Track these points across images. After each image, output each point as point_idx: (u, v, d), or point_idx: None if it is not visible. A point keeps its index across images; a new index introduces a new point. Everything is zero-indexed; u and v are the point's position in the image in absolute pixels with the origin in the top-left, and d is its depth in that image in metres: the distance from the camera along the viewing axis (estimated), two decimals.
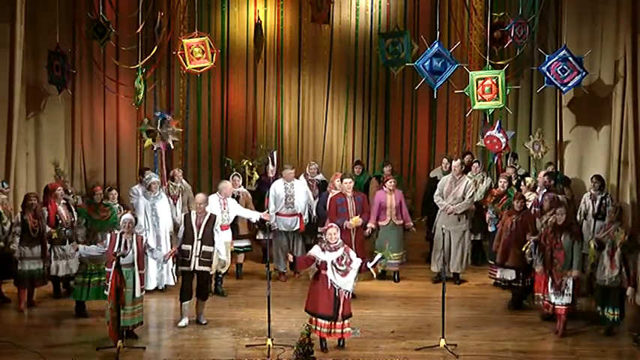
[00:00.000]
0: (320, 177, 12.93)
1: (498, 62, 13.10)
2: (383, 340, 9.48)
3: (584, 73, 12.45)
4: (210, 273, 10.44)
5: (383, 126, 16.29)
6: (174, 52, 13.50)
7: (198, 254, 9.82)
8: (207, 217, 9.97)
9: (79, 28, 13.98)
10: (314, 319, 9.00)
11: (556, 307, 9.66)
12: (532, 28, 13.30)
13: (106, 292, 9.38)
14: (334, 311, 8.93)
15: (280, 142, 16.11)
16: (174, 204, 11.81)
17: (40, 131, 13.35)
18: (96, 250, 9.67)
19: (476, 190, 12.19)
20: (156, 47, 13.54)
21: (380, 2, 15.83)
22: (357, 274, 9.10)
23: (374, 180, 13.72)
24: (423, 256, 12.70)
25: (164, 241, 11.21)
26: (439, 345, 9.15)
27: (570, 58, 12.43)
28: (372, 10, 15.85)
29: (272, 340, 9.07)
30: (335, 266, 8.90)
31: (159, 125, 12.53)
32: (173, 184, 12.23)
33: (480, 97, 12.45)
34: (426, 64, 12.48)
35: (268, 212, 11.59)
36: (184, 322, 9.92)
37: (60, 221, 10.85)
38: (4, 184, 11.33)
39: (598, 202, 11.39)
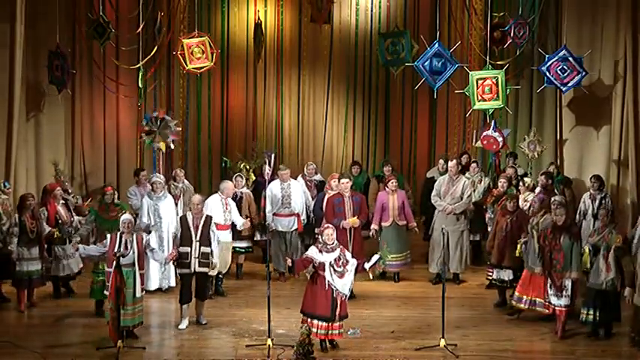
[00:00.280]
0: (318, 177, 12.92)
1: (498, 62, 13.12)
2: (383, 340, 9.48)
3: (584, 73, 12.45)
4: (210, 274, 10.45)
5: (383, 126, 16.30)
6: (174, 52, 13.52)
7: (197, 255, 9.81)
8: (203, 219, 9.95)
9: (79, 28, 13.99)
10: (310, 320, 8.98)
11: (555, 308, 9.66)
12: (532, 28, 13.31)
13: (106, 292, 9.39)
14: (332, 312, 8.91)
15: (280, 142, 16.12)
16: (176, 204, 11.79)
17: (40, 131, 13.35)
18: (96, 250, 9.68)
19: (474, 190, 12.20)
20: (156, 47, 13.55)
21: (380, 2, 15.84)
22: (353, 275, 9.08)
23: (374, 180, 13.72)
24: (423, 256, 12.69)
25: (166, 242, 11.18)
26: (439, 345, 9.15)
27: (570, 58, 12.43)
28: (372, 10, 15.85)
29: (272, 340, 9.07)
30: (332, 267, 8.89)
31: (158, 126, 12.53)
32: (175, 184, 12.22)
33: (479, 97, 12.44)
34: (426, 64, 12.47)
35: (249, 219, 11.57)
36: (184, 324, 9.91)
37: (60, 221, 10.86)
38: (6, 184, 11.33)
39: (597, 202, 11.41)
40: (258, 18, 15.38)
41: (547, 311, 9.88)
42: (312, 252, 9.00)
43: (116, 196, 11.42)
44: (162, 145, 12.80)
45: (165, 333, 9.84)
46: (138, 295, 9.34)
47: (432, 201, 11.90)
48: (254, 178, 13.03)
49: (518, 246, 10.39)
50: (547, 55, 12.68)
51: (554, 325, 9.75)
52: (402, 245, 11.79)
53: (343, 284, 8.91)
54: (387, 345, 9.34)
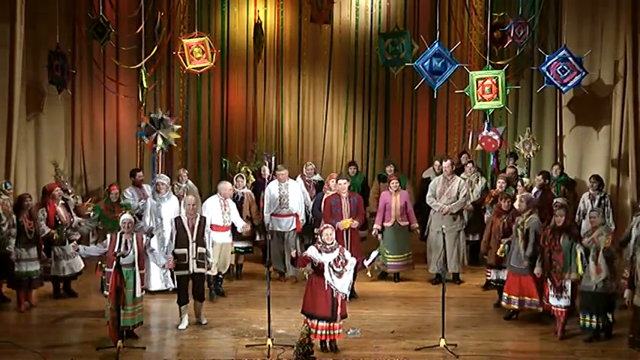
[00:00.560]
0: (317, 177, 12.87)
1: (498, 62, 13.12)
2: (383, 340, 9.48)
3: (583, 73, 12.45)
4: (209, 274, 10.43)
5: (383, 126, 16.29)
6: (174, 52, 13.52)
7: (195, 256, 9.79)
8: (198, 219, 9.94)
9: (79, 28, 13.99)
10: (311, 321, 8.97)
11: (555, 309, 9.65)
12: (532, 28, 13.30)
13: (106, 292, 9.39)
14: (332, 312, 8.89)
15: (280, 142, 16.11)
16: (179, 204, 11.74)
17: (40, 131, 13.35)
18: (96, 250, 9.68)
19: (471, 190, 12.19)
20: (156, 47, 13.55)
21: (380, 2, 15.83)
22: (352, 275, 9.06)
23: (376, 180, 13.72)
24: (421, 257, 12.68)
25: (167, 243, 11.10)
26: (439, 345, 9.15)
27: (570, 58, 12.44)
28: (372, 10, 15.84)
29: (272, 340, 9.07)
30: (332, 268, 8.86)
31: (158, 126, 12.52)
32: (178, 184, 12.20)
33: (479, 97, 12.45)
34: (426, 64, 12.48)
35: (250, 219, 11.62)
36: (184, 324, 9.90)
37: (59, 222, 10.85)
38: (8, 184, 11.34)
39: (597, 201, 11.38)
40: (258, 18, 15.36)
41: (540, 309, 9.93)
42: (312, 252, 8.99)
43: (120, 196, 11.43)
44: (157, 144, 12.73)
45: (166, 333, 9.84)
46: (138, 295, 9.34)
47: (428, 202, 11.90)
48: (253, 179, 13.00)
49: (501, 246, 10.43)
50: (547, 55, 12.68)
51: (554, 325, 9.74)
52: (403, 246, 11.79)
53: (342, 284, 8.90)
54: (387, 345, 9.33)
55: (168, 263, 9.74)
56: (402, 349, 9.18)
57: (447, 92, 15.10)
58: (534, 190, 11.76)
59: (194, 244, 9.81)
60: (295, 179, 12.41)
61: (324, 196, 11.52)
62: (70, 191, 12.35)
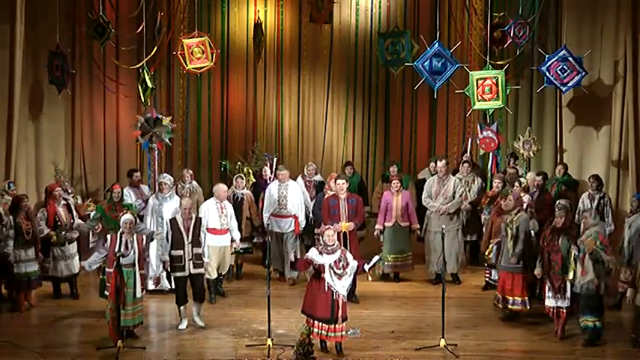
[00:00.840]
0: (318, 178, 12.84)
1: (498, 62, 13.12)
2: (383, 340, 9.48)
3: (583, 73, 12.46)
4: (208, 277, 10.39)
5: (383, 126, 16.28)
6: (174, 52, 13.52)
7: (191, 257, 9.77)
8: (194, 220, 9.91)
9: (79, 28, 13.99)
10: (312, 321, 8.96)
11: (551, 309, 9.64)
12: (532, 28, 13.30)
13: (106, 292, 9.39)
14: (332, 314, 8.86)
15: (280, 142, 16.11)
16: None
17: (40, 131, 13.36)
18: (97, 258, 9.60)
19: (468, 190, 12.18)
20: (156, 47, 13.55)
21: (380, 2, 15.83)
22: (352, 278, 9.02)
23: (380, 181, 13.71)
24: (420, 257, 12.67)
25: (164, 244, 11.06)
26: (439, 345, 9.15)
27: (570, 58, 12.44)
28: (372, 10, 15.84)
29: (272, 340, 9.07)
30: (333, 269, 8.83)
31: (153, 125, 12.50)
32: (182, 184, 12.17)
33: (479, 97, 12.45)
34: (426, 64, 12.49)
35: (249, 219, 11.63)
36: (184, 324, 9.88)
37: (59, 222, 10.84)
38: (11, 185, 11.34)
39: (596, 201, 11.35)
40: (258, 18, 15.37)
41: (520, 308, 10.01)
42: (313, 253, 8.97)
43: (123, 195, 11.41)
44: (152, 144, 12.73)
45: (165, 333, 9.84)
46: (138, 295, 9.35)
47: (424, 203, 11.90)
48: (253, 180, 12.98)
49: (490, 246, 10.41)
50: (547, 55, 12.68)
51: (555, 325, 9.73)
52: (403, 246, 11.78)
53: (342, 286, 8.87)
54: (387, 345, 9.33)
55: (165, 264, 9.77)
56: (402, 349, 9.18)
57: (447, 92, 15.10)
58: (531, 190, 11.75)
59: (189, 245, 9.78)
60: (296, 180, 12.39)
61: (325, 197, 11.51)
62: (70, 191, 12.35)
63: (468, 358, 9.00)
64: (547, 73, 12.57)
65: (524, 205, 10.79)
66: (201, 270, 9.94)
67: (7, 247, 10.29)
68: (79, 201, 12.76)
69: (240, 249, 11.79)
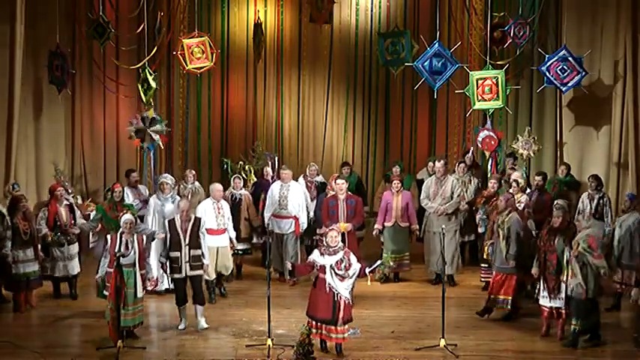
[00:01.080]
0: (320, 179, 12.80)
1: (498, 62, 13.12)
2: (383, 340, 9.48)
3: (583, 73, 12.46)
4: (207, 278, 10.33)
5: (383, 126, 16.30)
6: (174, 52, 13.52)
7: (188, 259, 9.68)
8: (192, 222, 9.80)
9: (79, 28, 14.00)
10: (314, 322, 8.95)
11: (550, 309, 9.62)
12: (532, 28, 13.31)
13: (106, 292, 9.39)
14: (333, 315, 8.82)
15: (280, 142, 16.12)
16: None
17: (40, 131, 13.36)
18: (106, 267, 9.55)
19: (465, 190, 12.17)
20: (156, 47, 13.55)
21: (380, 2, 15.85)
22: (354, 279, 8.96)
23: (382, 181, 13.70)
24: (422, 257, 12.67)
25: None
26: (439, 345, 9.14)
27: (570, 58, 12.45)
28: (372, 10, 15.86)
29: (272, 340, 9.07)
30: (333, 270, 8.80)
31: (147, 124, 12.49)
32: (184, 184, 12.15)
33: (479, 97, 12.46)
34: (426, 64, 12.49)
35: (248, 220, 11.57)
36: (183, 324, 9.84)
37: (58, 223, 10.83)
38: (16, 185, 11.36)
39: (595, 201, 11.33)
40: (258, 18, 15.38)
41: (509, 308, 10.03)
42: (315, 255, 8.96)
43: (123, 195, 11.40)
44: (144, 143, 12.70)
45: (166, 333, 9.83)
46: (139, 295, 9.34)
47: (422, 203, 11.90)
48: (254, 179, 12.95)
49: (485, 247, 10.39)
50: (547, 55, 12.69)
51: (555, 326, 9.71)
52: (401, 246, 11.77)
53: (344, 288, 8.82)
54: (387, 345, 9.33)
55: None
56: (402, 349, 9.18)
57: (447, 92, 15.11)
58: (528, 190, 11.74)
59: (187, 247, 9.69)
60: (297, 180, 12.37)
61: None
62: (69, 191, 12.34)
63: (468, 358, 9.00)
64: (547, 73, 12.57)
65: (522, 205, 10.79)
66: (199, 272, 9.85)
67: (5, 247, 10.29)
68: (79, 201, 12.76)
69: (239, 250, 11.76)
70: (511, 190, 11.30)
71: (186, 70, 13.56)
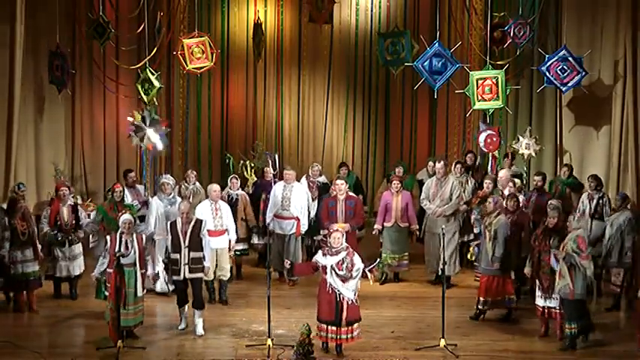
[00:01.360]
0: (322, 179, 12.71)
1: (498, 62, 13.11)
2: (383, 340, 9.48)
3: (583, 73, 12.46)
4: (206, 279, 10.29)
5: (383, 126, 16.30)
6: (174, 52, 13.51)
7: (187, 262, 9.61)
8: (192, 223, 9.73)
9: (79, 28, 13.99)
10: (319, 325, 8.91)
11: (546, 310, 9.61)
12: (532, 28, 13.30)
13: (106, 293, 9.39)
14: (336, 316, 8.79)
15: (280, 142, 16.11)
16: None
17: (40, 131, 13.36)
18: (103, 267, 9.54)
19: (463, 190, 12.16)
20: (156, 47, 13.54)
21: (380, 2, 15.84)
22: (358, 280, 8.90)
23: (384, 181, 13.70)
24: (422, 257, 12.66)
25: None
26: (439, 345, 9.15)
27: (570, 58, 12.44)
28: (372, 10, 15.85)
29: (272, 340, 9.07)
30: (334, 270, 8.80)
31: (148, 124, 12.45)
32: (185, 184, 12.12)
33: (480, 97, 12.45)
34: (426, 64, 12.48)
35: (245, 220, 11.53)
36: (183, 324, 9.82)
37: (59, 222, 10.83)
38: (21, 185, 11.36)
39: (595, 201, 11.28)
40: (258, 18, 15.37)
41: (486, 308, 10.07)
42: (318, 255, 8.97)
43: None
44: (143, 143, 12.66)
45: (166, 333, 9.83)
46: (139, 294, 9.34)
47: (422, 204, 11.90)
48: (255, 179, 12.91)
49: (471, 249, 10.39)
50: (547, 55, 12.68)
51: (554, 326, 9.72)
52: (401, 247, 11.76)
53: (346, 288, 8.78)
54: (387, 345, 9.33)
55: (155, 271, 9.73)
56: (402, 349, 9.18)
57: (447, 92, 15.10)
58: (523, 191, 11.73)
59: (186, 249, 9.62)
60: (300, 180, 12.34)
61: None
62: (69, 191, 12.33)
63: (467, 358, 9.01)
64: (547, 73, 12.57)
65: (520, 205, 10.79)
66: (199, 275, 9.77)
67: (3, 248, 10.29)
68: (79, 201, 12.76)
69: (237, 251, 11.72)
70: (505, 191, 11.29)
71: (186, 70, 13.55)
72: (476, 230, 11.50)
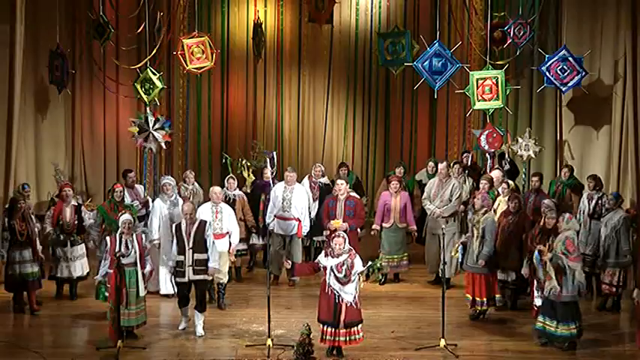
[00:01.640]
0: (324, 180, 12.58)
1: (498, 62, 13.11)
2: (383, 340, 9.48)
3: (583, 73, 12.47)
4: (209, 279, 10.25)
5: (383, 126, 16.29)
6: (174, 52, 13.50)
7: (191, 264, 9.55)
8: (196, 225, 9.67)
9: (79, 28, 13.99)
10: (320, 326, 8.89)
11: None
12: (532, 28, 13.30)
13: (107, 293, 9.39)
14: (334, 317, 8.77)
15: (280, 142, 16.11)
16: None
17: (40, 131, 13.35)
18: (106, 268, 9.53)
19: (462, 191, 12.15)
20: (156, 47, 13.54)
21: (380, 2, 15.84)
22: (356, 283, 8.84)
23: (384, 181, 13.69)
24: (422, 258, 12.66)
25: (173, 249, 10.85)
26: (439, 345, 9.15)
27: (570, 58, 12.45)
28: (372, 10, 15.85)
29: (272, 340, 9.07)
30: (334, 272, 8.78)
31: (152, 125, 12.45)
32: (185, 185, 12.11)
33: (479, 97, 12.46)
34: (426, 64, 12.49)
35: (244, 221, 11.47)
36: (183, 325, 9.79)
37: (61, 222, 10.84)
38: (26, 186, 11.37)
39: (594, 201, 11.26)
40: (258, 18, 15.37)
41: (486, 309, 10.06)
42: (320, 256, 8.96)
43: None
44: (147, 144, 12.66)
45: (166, 333, 9.82)
46: (141, 294, 9.33)
47: (422, 204, 11.89)
48: (253, 178, 12.89)
49: (455, 246, 10.40)
50: (547, 55, 12.69)
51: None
52: (399, 247, 11.76)
53: (345, 292, 8.76)
54: (387, 345, 9.33)
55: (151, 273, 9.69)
56: (402, 349, 9.18)
57: (447, 92, 15.11)
58: (526, 191, 11.73)
59: (190, 251, 9.58)
60: (302, 180, 12.31)
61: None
62: (74, 191, 12.33)
63: (467, 358, 9.01)
64: (547, 73, 12.58)
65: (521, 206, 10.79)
66: (204, 276, 9.69)
67: (2, 248, 10.30)
68: (80, 201, 12.74)
69: (236, 251, 11.64)
70: (500, 190, 11.28)
71: (186, 70, 13.55)
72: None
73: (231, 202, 11.60)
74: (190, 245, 9.60)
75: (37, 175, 13.14)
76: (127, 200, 11.52)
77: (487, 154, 12.99)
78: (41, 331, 9.99)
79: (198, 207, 10.70)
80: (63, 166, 13.64)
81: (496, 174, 11.84)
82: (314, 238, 12.23)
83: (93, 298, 10.54)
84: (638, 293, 9.22)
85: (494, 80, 12.35)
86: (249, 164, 12.96)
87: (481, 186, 11.54)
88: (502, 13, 13.94)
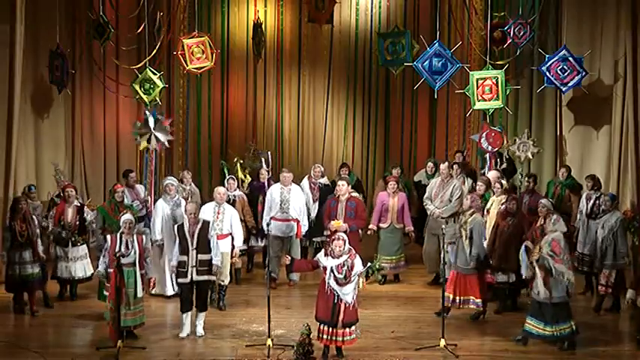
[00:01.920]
0: (324, 180, 12.59)
1: (498, 62, 13.11)
2: (383, 340, 9.49)
3: (583, 73, 12.46)
4: (213, 279, 10.21)
5: (383, 126, 16.30)
6: (174, 52, 13.50)
7: (194, 264, 9.54)
8: (200, 225, 9.66)
9: (79, 28, 13.99)
10: (318, 325, 8.89)
11: None
12: (532, 28, 13.30)
13: (106, 293, 9.39)
14: (332, 317, 8.76)
15: (280, 142, 16.11)
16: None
17: (40, 131, 13.35)
18: (105, 265, 9.53)
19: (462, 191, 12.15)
20: (156, 47, 13.54)
21: (380, 2, 15.84)
22: (355, 284, 8.84)
23: (381, 181, 13.69)
24: (421, 258, 12.67)
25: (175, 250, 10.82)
26: (439, 345, 9.15)
27: (570, 58, 12.45)
28: (372, 10, 15.85)
29: (272, 340, 9.07)
30: (333, 272, 8.78)
31: (152, 125, 12.42)
32: (183, 186, 12.10)
33: (479, 97, 12.45)
34: (426, 64, 12.48)
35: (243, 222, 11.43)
36: (185, 332, 9.66)
37: (62, 222, 10.84)
38: (32, 187, 11.37)
39: (592, 201, 11.24)
40: (258, 18, 15.37)
41: (481, 309, 10.09)
42: (320, 255, 8.96)
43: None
44: (150, 145, 12.63)
45: (166, 333, 9.82)
46: (139, 294, 9.33)
47: (423, 204, 11.89)
48: (249, 179, 12.88)
49: (444, 248, 10.41)
50: (547, 55, 12.69)
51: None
52: (397, 248, 11.76)
53: (344, 293, 8.75)
54: (387, 345, 9.34)
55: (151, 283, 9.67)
56: (402, 349, 9.18)
57: (447, 92, 15.10)
58: (522, 191, 11.72)
59: (194, 251, 9.56)
60: (302, 180, 12.30)
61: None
62: (76, 192, 12.32)
63: (467, 358, 9.01)
64: (547, 73, 12.57)
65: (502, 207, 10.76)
66: (206, 277, 9.66)
67: (3, 249, 10.32)
68: (80, 201, 12.74)
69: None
70: (494, 189, 11.27)
71: (186, 70, 13.54)
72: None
73: (231, 202, 11.58)
74: (194, 246, 9.59)
75: (37, 175, 13.13)
76: (127, 200, 11.53)
77: (489, 155, 12.95)
78: (41, 331, 9.99)
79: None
80: (63, 166, 13.63)
81: (493, 175, 11.84)
82: (313, 239, 12.22)
83: (93, 299, 10.56)
84: (631, 293, 9.23)
85: (494, 80, 12.35)
86: (242, 162, 12.96)
87: (477, 187, 11.52)
88: (502, 13, 13.93)
